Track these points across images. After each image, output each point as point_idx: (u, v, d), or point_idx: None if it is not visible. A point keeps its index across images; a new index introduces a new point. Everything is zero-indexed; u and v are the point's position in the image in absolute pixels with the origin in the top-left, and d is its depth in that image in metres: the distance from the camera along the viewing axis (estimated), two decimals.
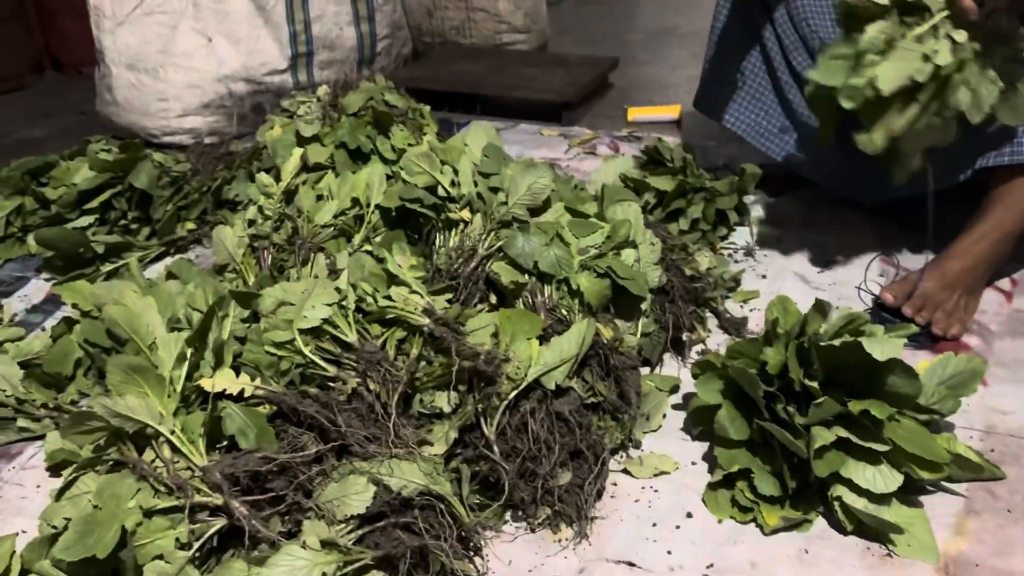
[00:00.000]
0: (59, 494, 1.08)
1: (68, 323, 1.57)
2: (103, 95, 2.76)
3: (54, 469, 1.34)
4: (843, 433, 1.12)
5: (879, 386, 1.16)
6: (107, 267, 1.87)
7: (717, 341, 1.56)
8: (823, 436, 1.11)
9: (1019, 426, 1.33)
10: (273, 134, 1.98)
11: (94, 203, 1.92)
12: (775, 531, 1.15)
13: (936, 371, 1.24)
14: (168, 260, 1.96)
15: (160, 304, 1.42)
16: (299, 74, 2.78)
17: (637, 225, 1.46)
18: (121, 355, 1.17)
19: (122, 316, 1.40)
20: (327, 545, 1.03)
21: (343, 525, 1.06)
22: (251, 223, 1.68)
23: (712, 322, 1.61)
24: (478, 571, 1.11)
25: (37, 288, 1.90)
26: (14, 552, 1.10)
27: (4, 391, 1.44)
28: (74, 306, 1.54)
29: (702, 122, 2.67)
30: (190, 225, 2.03)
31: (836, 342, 1.12)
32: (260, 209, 1.65)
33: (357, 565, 1.04)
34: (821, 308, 1.23)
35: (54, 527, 1.11)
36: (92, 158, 1.96)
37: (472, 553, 1.13)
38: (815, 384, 1.14)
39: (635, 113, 2.75)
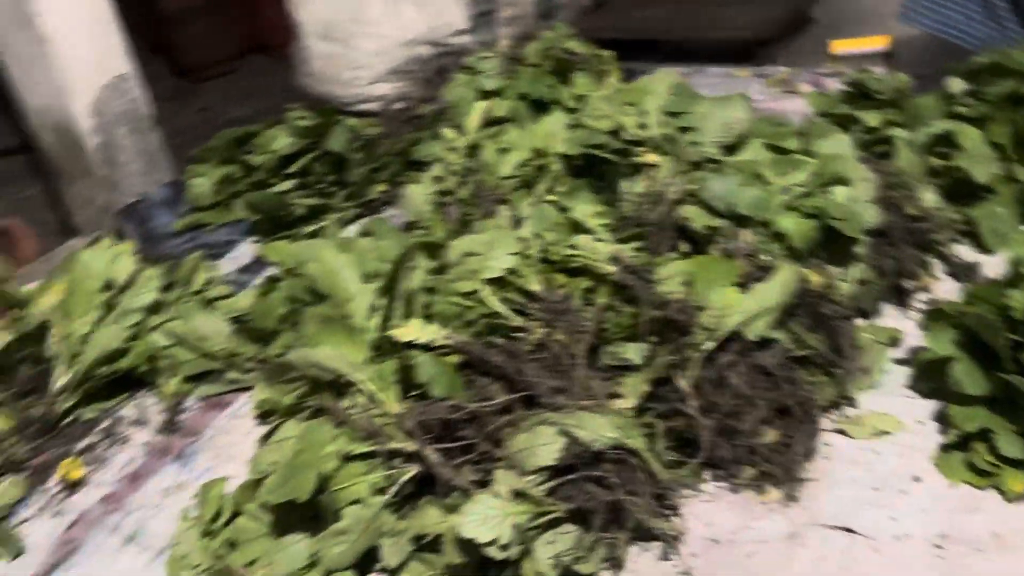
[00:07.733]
0: (264, 439, 1.12)
1: (272, 281, 1.66)
2: (301, 67, 2.90)
3: (262, 418, 1.42)
4: None
5: None
6: (309, 228, 1.95)
7: (946, 289, 1.38)
8: None
9: None
10: (457, 92, 1.97)
11: (293, 168, 2.01)
12: (1021, 497, 0.99)
13: None
14: (364, 221, 2.02)
15: (356, 260, 1.45)
16: (482, 33, 2.78)
17: (849, 160, 1.31)
18: (316, 307, 1.20)
19: (321, 272, 1.45)
20: (519, 495, 1.00)
21: (533, 476, 1.03)
22: (437, 179, 1.69)
23: (939, 269, 1.43)
24: (676, 531, 1.04)
25: (246, 250, 2.02)
26: (223, 494, 1.16)
27: (215, 345, 1.54)
28: (278, 264, 1.61)
29: (917, 51, 2.40)
30: (382, 187, 2.08)
31: None
32: (446, 165, 1.64)
33: (549, 517, 1.01)
34: None
35: (261, 472, 1.17)
36: (290, 124, 2.05)
37: (669, 512, 1.07)
38: None
39: (839, 47, 2.52)
